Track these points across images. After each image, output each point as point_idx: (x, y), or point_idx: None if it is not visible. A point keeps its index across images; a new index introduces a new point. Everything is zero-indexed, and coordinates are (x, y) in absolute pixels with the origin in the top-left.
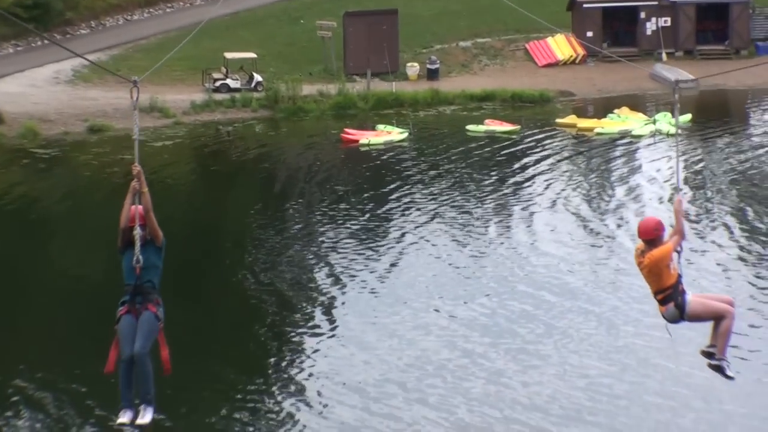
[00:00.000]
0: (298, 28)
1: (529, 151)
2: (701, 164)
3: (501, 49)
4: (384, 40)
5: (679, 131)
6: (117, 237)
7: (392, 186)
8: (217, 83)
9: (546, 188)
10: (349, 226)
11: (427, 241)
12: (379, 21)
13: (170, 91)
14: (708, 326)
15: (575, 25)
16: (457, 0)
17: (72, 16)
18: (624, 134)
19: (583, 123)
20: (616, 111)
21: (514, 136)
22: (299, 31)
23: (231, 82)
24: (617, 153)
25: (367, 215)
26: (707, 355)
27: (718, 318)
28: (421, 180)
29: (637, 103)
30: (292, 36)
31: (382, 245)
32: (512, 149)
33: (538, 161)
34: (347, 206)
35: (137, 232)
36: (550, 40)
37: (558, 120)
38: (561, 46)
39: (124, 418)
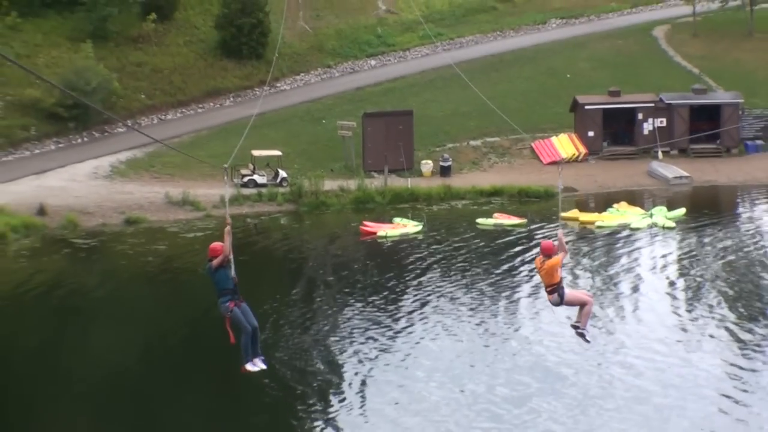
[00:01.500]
0: (321, 127)
1: (535, 243)
2: (693, 252)
3: (509, 148)
4: (400, 139)
5: (561, 167)
6: (211, 262)
7: (408, 275)
8: (245, 179)
9: None
10: (369, 312)
11: (444, 326)
12: (395, 121)
13: (201, 186)
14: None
15: (578, 124)
16: (467, 102)
17: (110, 116)
18: (623, 227)
19: (585, 216)
20: (615, 205)
21: (521, 229)
22: (321, 131)
23: (258, 178)
24: (617, 244)
25: (387, 302)
26: (575, 327)
27: (583, 304)
28: (435, 269)
29: (635, 197)
30: (315, 135)
31: (402, 329)
32: (520, 241)
33: None
34: (367, 294)
35: (231, 258)
36: (554, 139)
37: (562, 214)
38: (564, 144)
39: (252, 367)
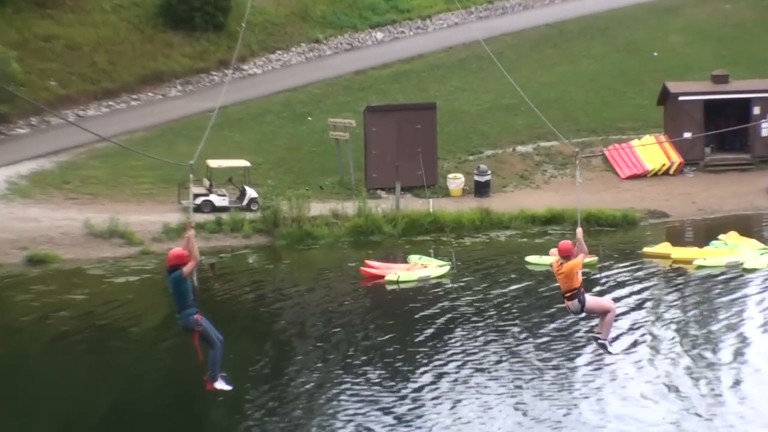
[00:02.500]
0: (305, 127)
1: (609, 291)
2: None
3: (571, 156)
4: (418, 143)
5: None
6: (174, 272)
7: (428, 338)
8: (198, 200)
9: (632, 339)
10: (370, 391)
11: (477, 408)
12: (411, 119)
13: (136, 210)
14: None
15: (669, 123)
16: (512, 91)
17: (6, 111)
18: (732, 267)
19: (680, 253)
20: (722, 237)
21: (590, 270)
22: (306, 132)
23: (216, 199)
24: (724, 292)
25: (396, 378)
26: (595, 338)
27: (605, 312)
28: (465, 328)
29: (749, 226)
30: (298, 138)
31: (418, 416)
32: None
33: (619, 302)
34: (368, 366)
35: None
36: (635, 143)
37: (647, 249)
38: (650, 151)
39: (220, 385)
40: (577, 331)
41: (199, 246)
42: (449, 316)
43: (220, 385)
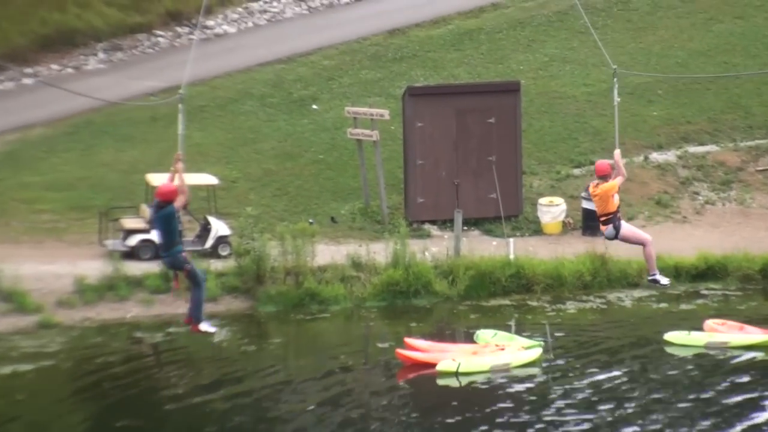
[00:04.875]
0: (307, 121)
1: None
2: None
3: (739, 169)
4: (491, 148)
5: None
6: (164, 207)
7: None
8: (132, 239)
9: None
10: None
11: None
12: (480, 107)
13: (30, 255)
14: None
15: None
16: (642, 62)
17: None
18: None
19: None
20: None
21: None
22: (309, 129)
23: None
24: None
25: None
26: (651, 281)
27: (641, 243)
28: None
29: None
30: (294, 139)
31: None
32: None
33: None
34: None
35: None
36: None
37: None
38: None
39: (208, 327)
40: None
41: (136, 313)
42: (541, 424)
43: (205, 327)
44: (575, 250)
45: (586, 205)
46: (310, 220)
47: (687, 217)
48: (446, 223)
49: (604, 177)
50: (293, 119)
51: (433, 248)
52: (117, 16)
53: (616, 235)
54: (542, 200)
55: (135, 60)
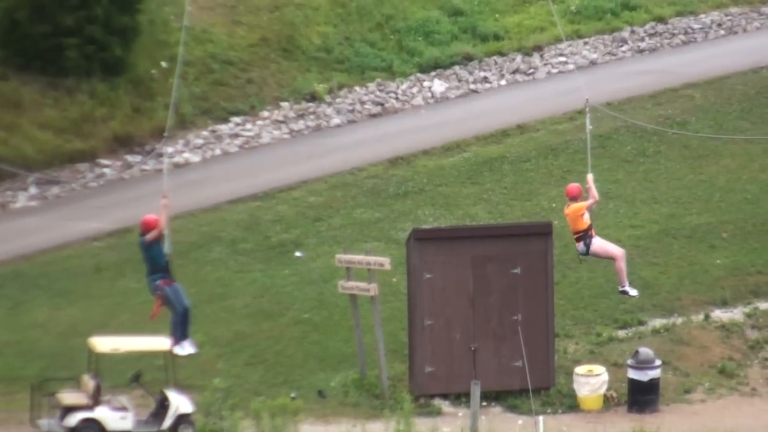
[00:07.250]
0: (289, 271)
1: None
2: None
3: None
4: (517, 305)
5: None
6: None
7: None
8: (72, 419)
9: None
10: None
11: None
12: (503, 255)
13: None
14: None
15: None
16: (703, 199)
17: None
18: None
19: None
20: None
21: None
22: (291, 281)
23: (109, 417)
24: None
25: None
26: (622, 292)
27: (611, 258)
28: None
29: None
30: (273, 294)
31: None
32: None
33: None
34: None
35: (165, 233)
36: None
37: None
38: None
39: (180, 350)
40: None
41: None
42: None
43: (180, 349)
44: (620, 430)
45: (633, 374)
46: (293, 395)
47: (757, 389)
48: (461, 398)
49: (574, 198)
50: (271, 269)
51: (445, 429)
52: (53, 141)
53: (587, 251)
54: (579, 369)
55: (75, 196)
